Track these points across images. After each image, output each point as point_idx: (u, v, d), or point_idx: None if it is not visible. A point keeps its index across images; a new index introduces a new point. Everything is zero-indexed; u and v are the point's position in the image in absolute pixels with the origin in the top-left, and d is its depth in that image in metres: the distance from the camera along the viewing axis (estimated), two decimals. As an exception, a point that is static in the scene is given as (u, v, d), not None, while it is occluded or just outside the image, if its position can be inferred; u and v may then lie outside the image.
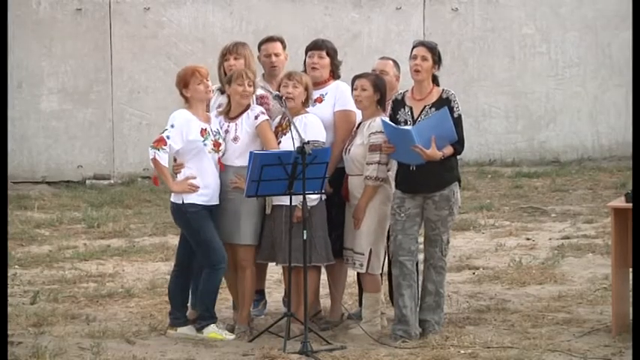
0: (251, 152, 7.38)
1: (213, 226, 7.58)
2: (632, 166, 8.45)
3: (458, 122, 7.50)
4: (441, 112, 7.42)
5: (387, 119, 7.55)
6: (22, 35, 15.44)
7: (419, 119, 7.49)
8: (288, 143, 7.49)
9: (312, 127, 7.63)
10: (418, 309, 7.67)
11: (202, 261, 7.62)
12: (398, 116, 7.58)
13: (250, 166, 7.30)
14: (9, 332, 7.75)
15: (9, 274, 9.78)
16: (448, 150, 7.46)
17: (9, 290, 9.20)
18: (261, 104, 7.82)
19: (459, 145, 7.51)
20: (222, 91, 7.89)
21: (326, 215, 7.71)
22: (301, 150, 7.23)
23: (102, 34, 15.59)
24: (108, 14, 15.66)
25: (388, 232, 7.72)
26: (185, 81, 7.64)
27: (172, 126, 7.54)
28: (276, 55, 8.10)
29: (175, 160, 7.68)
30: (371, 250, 7.65)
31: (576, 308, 8.33)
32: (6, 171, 7.39)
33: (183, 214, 7.58)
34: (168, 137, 7.50)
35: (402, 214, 7.55)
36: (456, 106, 7.53)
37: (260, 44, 8.19)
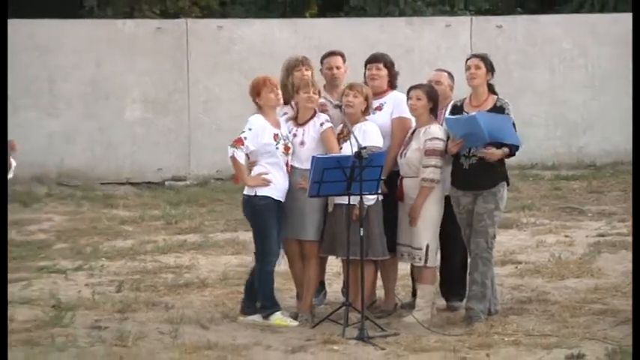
0: (313, 156, 7.39)
1: (280, 223, 7.59)
2: (633, 167, 8.35)
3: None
4: (504, 116, 7.48)
5: (449, 117, 7.55)
6: (109, 52, 15.60)
7: None
8: (348, 149, 7.48)
9: (369, 133, 7.62)
10: (465, 298, 7.64)
11: (256, 252, 7.64)
12: None
13: (313, 168, 7.31)
14: (97, 318, 7.85)
15: (97, 266, 9.90)
16: (506, 150, 7.49)
17: (97, 280, 9.31)
18: (321, 112, 7.82)
19: (514, 147, 7.54)
20: (286, 102, 7.89)
21: (382, 214, 7.68)
22: (358, 154, 7.23)
23: (180, 50, 15.70)
24: (185, 32, 15.78)
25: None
26: (257, 90, 7.67)
27: (250, 129, 7.58)
28: (337, 67, 8.10)
29: (249, 158, 7.71)
30: (427, 245, 7.63)
31: (611, 300, 8.22)
32: (6, 171, 7.42)
33: (253, 206, 7.60)
34: (245, 138, 7.54)
35: (462, 211, 7.60)
36: (510, 114, 7.56)
37: (322, 58, 8.19)
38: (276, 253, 7.61)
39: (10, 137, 7.95)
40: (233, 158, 7.55)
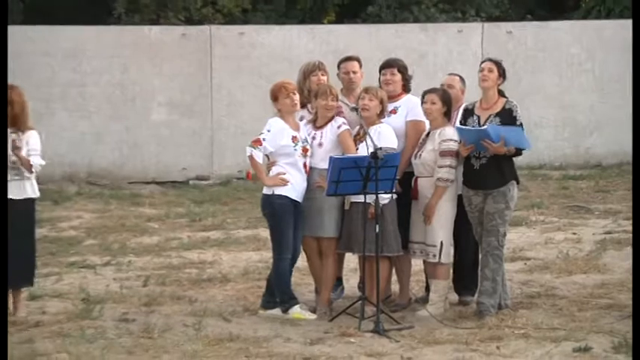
0: (331, 157, 7.40)
1: (297, 222, 7.59)
2: (633, 167, 8.33)
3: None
4: (515, 128, 7.48)
5: (461, 127, 7.56)
6: (136, 56, 15.64)
7: (484, 126, 7.51)
8: (364, 150, 7.47)
9: (385, 135, 7.62)
10: (477, 293, 7.62)
11: (272, 248, 7.64)
12: (467, 122, 7.65)
13: (330, 168, 7.32)
14: (124, 311, 7.87)
15: (124, 261, 9.93)
16: (511, 148, 7.46)
17: (124, 275, 9.34)
18: (338, 114, 7.82)
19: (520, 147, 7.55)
20: (302, 105, 7.88)
21: (396, 212, 7.68)
22: (374, 155, 7.22)
23: (203, 55, 15.72)
24: (209, 38, 15.80)
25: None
26: (275, 95, 7.69)
27: (269, 131, 7.59)
28: (354, 72, 8.10)
29: (269, 158, 7.72)
30: (442, 242, 7.62)
31: (617, 295, 8.19)
32: (6, 171, 7.44)
33: (271, 204, 7.60)
34: (264, 139, 7.55)
35: (474, 210, 7.59)
36: (518, 115, 7.56)
37: (339, 63, 8.19)
38: (289, 250, 7.61)
39: (43, 138, 7.97)
40: (251, 157, 7.55)
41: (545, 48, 16.44)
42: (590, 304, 7.89)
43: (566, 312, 7.69)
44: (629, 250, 9.85)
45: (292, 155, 7.60)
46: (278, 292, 7.69)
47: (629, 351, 6.46)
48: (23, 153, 7.66)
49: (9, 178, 7.63)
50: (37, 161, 7.72)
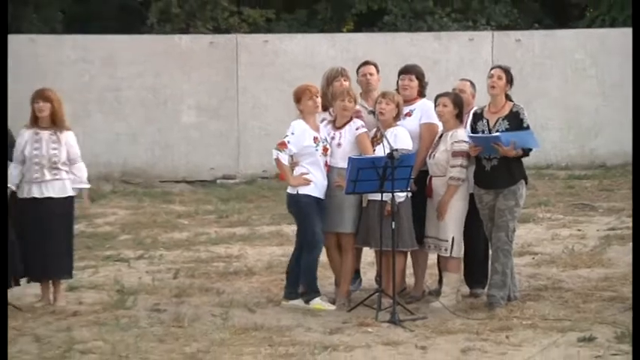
0: (349, 157, 7.39)
1: (319, 217, 7.58)
2: (633, 168, 8.26)
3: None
4: (528, 132, 7.46)
5: (473, 134, 7.55)
6: (167, 63, 15.67)
7: (493, 128, 7.50)
8: (381, 151, 7.44)
9: (401, 137, 7.60)
10: (487, 286, 7.59)
11: (302, 242, 7.62)
12: (477, 126, 7.63)
13: (349, 168, 7.30)
14: (156, 301, 7.88)
15: (156, 255, 9.94)
16: (519, 151, 7.44)
17: (156, 268, 9.35)
18: (357, 117, 7.80)
19: (527, 148, 7.51)
20: (325, 108, 7.87)
21: (411, 210, 7.65)
22: (390, 155, 7.20)
23: (230, 62, 15.73)
24: (235, 46, 15.81)
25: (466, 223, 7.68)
26: (298, 96, 7.69)
27: (292, 133, 7.58)
28: (371, 74, 8.12)
29: (292, 159, 7.70)
30: (453, 237, 7.59)
31: (620, 288, 8.14)
32: (6, 171, 7.45)
33: (296, 203, 7.60)
34: (288, 142, 7.54)
35: (484, 207, 7.56)
36: (525, 118, 7.53)
37: (358, 68, 8.20)
38: (319, 242, 7.58)
39: (80, 140, 8.00)
40: (277, 160, 7.55)
41: (551, 55, 16.36)
42: (595, 297, 7.84)
43: (571, 304, 7.65)
44: (631, 245, 9.78)
45: (314, 155, 7.59)
46: (304, 284, 7.67)
47: (631, 340, 6.41)
48: (63, 154, 7.70)
49: (49, 177, 7.65)
50: (84, 173, 7.81)
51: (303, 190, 7.56)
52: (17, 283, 7.65)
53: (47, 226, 7.60)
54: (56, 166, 7.67)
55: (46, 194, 7.64)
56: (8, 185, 7.58)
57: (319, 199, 7.59)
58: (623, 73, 16.02)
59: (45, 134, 7.70)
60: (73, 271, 7.97)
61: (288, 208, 7.77)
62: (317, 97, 7.65)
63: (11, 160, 7.67)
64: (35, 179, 7.62)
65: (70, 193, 7.78)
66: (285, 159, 7.56)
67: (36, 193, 7.63)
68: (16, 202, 7.60)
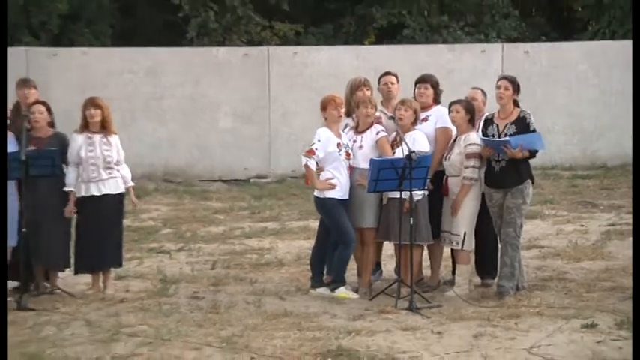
0: (371, 159, 7.39)
1: (346, 216, 7.59)
2: (632, 168, 8.19)
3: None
4: (535, 134, 7.43)
5: (484, 138, 7.54)
6: (205, 73, 15.73)
7: (502, 133, 7.49)
8: (400, 153, 7.45)
9: (418, 140, 7.60)
10: (497, 277, 7.57)
11: (339, 240, 7.62)
12: (487, 131, 7.62)
13: (371, 169, 7.31)
14: (195, 290, 7.92)
15: (195, 247, 9.99)
16: (525, 153, 7.43)
17: (195, 259, 9.40)
18: (377, 123, 7.81)
19: (534, 150, 7.49)
20: (348, 114, 7.88)
21: (428, 207, 7.65)
22: (409, 157, 7.20)
23: (262, 72, 15.76)
24: (267, 58, 15.84)
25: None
26: (324, 105, 7.70)
27: (319, 140, 7.59)
28: (391, 83, 8.13)
29: (317, 164, 7.72)
30: (465, 232, 7.58)
31: (620, 279, 8.08)
32: (6, 171, 7.50)
33: (325, 206, 7.61)
34: (316, 149, 7.56)
35: (494, 205, 7.55)
36: (531, 122, 7.51)
37: (380, 77, 8.21)
38: (354, 238, 7.58)
39: (127, 143, 8.07)
40: (306, 166, 7.57)
41: (557, 65, 16.27)
42: (596, 287, 7.80)
43: (575, 293, 7.61)
44: (630, 240, 9.72)
45: (338, 159, 7.60)
46: (334, 273, 7.69)
47: (630, 327, 6.38)
48: (115, 155, 7.77)
49: (105, 176, 7.75)
50: (129, 173, 7.90)
51: (329, 194, 7.58)
52: (61, 270, 7.85)
53: (104, 221, 7.71)
54: (110, 166, 7.77)
55: (104, 192, 7.75)
56: (67, 187, 7.69)
57: (344, 200, 7.60)
58: (622, 83, 15.95)
59: (97, 138, 7.79)
60: (122, 261, 8.05)
61: (318, 210, 7.79)
62: (341, 107, 7.67)
63: (66, 164, 7.76)
64: (93, 178, 7.72)
65: (122, 190, 7.88)
66: (313, 165, 7.56)
67: (94, 191, 7.73)
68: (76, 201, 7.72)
